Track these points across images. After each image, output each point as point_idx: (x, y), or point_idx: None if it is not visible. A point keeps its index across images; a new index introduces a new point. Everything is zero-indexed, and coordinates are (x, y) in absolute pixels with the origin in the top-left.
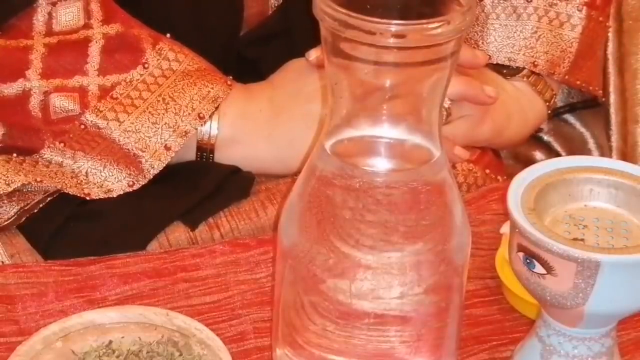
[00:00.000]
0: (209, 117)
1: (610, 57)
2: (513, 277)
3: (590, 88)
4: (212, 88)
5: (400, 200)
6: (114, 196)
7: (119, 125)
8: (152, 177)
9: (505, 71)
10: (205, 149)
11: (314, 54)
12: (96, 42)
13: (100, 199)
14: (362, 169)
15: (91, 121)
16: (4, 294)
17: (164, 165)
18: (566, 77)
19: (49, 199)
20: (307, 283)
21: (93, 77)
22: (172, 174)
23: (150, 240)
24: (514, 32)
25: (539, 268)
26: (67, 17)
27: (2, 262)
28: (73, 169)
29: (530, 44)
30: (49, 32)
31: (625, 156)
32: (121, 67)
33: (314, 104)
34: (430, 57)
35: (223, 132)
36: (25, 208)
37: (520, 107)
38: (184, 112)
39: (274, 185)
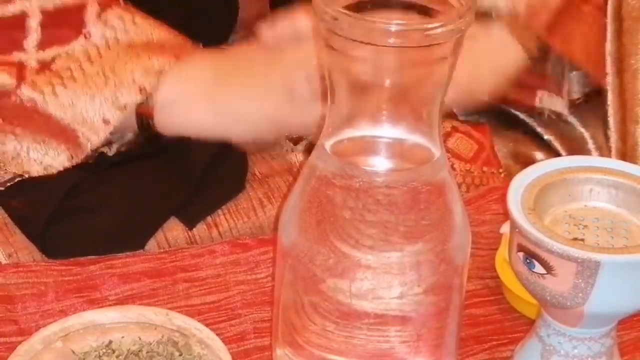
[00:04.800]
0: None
1: (609, 57)
2: (513, 277)
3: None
4: (157, 60)
5: (400, 200)
6: (54, 172)
7: (55, 99)
8: (89, 151)
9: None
10: (144, 114)
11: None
12: (33, 17)
13: (97, 195)
14: (362, 169)
15: (27, 96)
16: (4, 294)
17: (103, 139)
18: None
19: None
20: (307, 283)
21: (32, 53)
22: (162, 168)
23: (149, 237)
24: None
25: (539, 268)
26: None
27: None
28: (15, 147)
29: None
30: None
31: (624, 157)
32: (61, 39)
33: (262, 74)
34: (430, 57)
35: (162, 94)
36: None
37: (491, 57)
38: (124, 86)
39: (273, 182)
